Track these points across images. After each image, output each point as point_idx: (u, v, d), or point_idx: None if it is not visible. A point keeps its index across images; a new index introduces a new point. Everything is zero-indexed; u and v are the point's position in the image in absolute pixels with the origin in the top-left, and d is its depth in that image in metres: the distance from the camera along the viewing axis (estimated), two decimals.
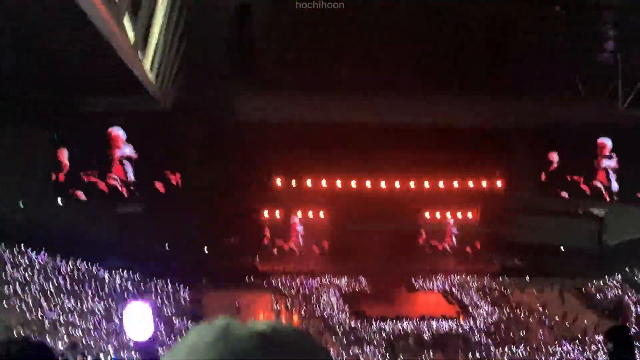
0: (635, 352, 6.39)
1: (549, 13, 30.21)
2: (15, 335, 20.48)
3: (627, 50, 31.88)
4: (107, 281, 33.24)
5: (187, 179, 38.02)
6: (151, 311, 4.08)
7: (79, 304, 29.39)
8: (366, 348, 32.57)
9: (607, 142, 39.32)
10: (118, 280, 33.82)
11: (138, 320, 4.03)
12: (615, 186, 39.81)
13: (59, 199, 35.10)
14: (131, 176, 36.87)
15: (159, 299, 34.75)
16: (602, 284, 38.20)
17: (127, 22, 11.98)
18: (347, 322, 35.22)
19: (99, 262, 33.49)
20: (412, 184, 41.41)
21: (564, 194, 41.12)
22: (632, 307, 35.08)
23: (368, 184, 41.03)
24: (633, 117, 36.22)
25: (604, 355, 30.98)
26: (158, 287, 35.51)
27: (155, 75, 20.97)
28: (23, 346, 2.38)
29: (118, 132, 36.16)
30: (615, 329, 5.77)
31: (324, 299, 37.51)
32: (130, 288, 34.00)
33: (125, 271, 34.36)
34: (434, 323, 35.21)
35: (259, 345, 0.89)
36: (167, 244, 39.19)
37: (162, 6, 16.12)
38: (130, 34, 13.46)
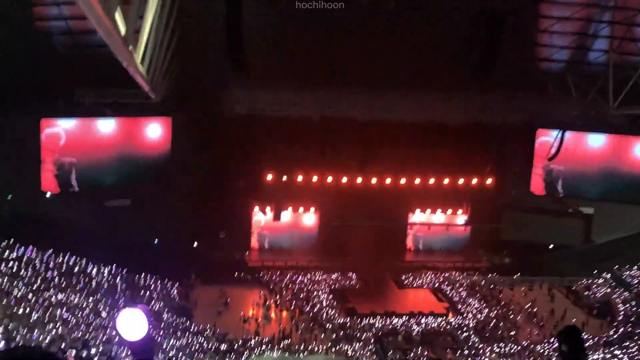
0: (588, 352, 6.36)
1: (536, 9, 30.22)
2: (2, 329, 20.28)
3: (619, 49, 31.90)
4: (95, 276, 32.95)
5: (178, 173, 37.75)
6: (146, 317, 3.96)
7: (66, 298, 29.13)
8: (355, 344, 32.54)
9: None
10: (106, 275, 33.54)
11: (132, 325, 3.92)
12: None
13: (48, 192, 34.70)
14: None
15: (148, 294, 34.58)
16: (590, 282, 38.34)
17: (118, 15, 11.80)
18: (337, 318, 35.20)
19: (88, 256, 33.16)
20: (402, 181, 41.35)
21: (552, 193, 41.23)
22: (620, 306, 35.18)
23: (359, 180, 40.90)
24: (622, 116, 36.28)
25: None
26: (147, 282, 35.32)
27: (146, 68, 20.74)
28: (27, 353, 2.34)
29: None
30: (568, 330, 5.71)
31: (313, 295, 37.47)
32: (119, 283, 33.78)
33: (114, 266, 34.08)
34: (422, 320, 35.26)
35: None
36: (156, 239, 39.00)
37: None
38: (121, 27, 13.28)
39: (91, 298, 30.50)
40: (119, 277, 34.07)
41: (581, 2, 28.84)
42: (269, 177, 40.21)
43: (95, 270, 33.20)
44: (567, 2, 29.20)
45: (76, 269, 32.21)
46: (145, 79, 21.90)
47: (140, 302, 32.90)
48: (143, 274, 35.27)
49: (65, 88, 32.47)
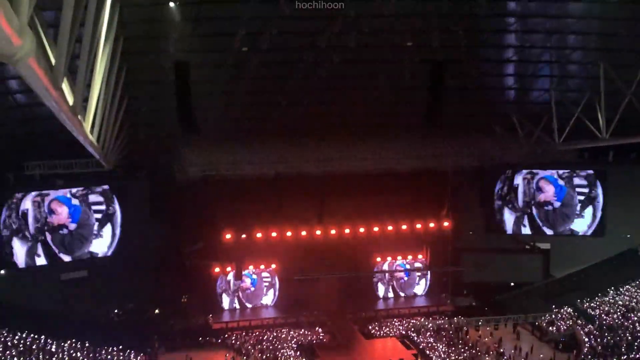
0: None
1: (479, 55, 31.22)
2: None
3: (560, 87, 33.13)
4: (55, 352, 31.84)
5: (134, 238, 37.19)
6: None
7: None
8: None
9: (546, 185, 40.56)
10: (67, 350, 32.44)
11: None
12: (553, 220, 41.00)
13: (2, 270, 33.77)
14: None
15: None
16: (554, 317, 38.67)
17: (65, 85, 11.80)
18: None
19: (46, 332, 32.08)
20: (361, 230, 41.39)
21: (509, 231, 42.05)
22: (585, 338, 35.49)
23: (318, 232, 40.80)
24: (569, 151, 37.40)
25: None
26: (109, 355, 34.23)
27: (96, 137, 20.64)
28: None
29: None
30: None
31: (281, 353, 36.81)
32: (80, 358, 32.69)
33: (74, 340, 32.99)
34: None
35: None
36: (115, 309, 38.03)
37: (100, 68, 15.97)
38: (69, 97, 13.29)
39: None
40: (79, 352, 32.98)
41: (518, 45, 29.96)
42: (228, 236, 39.83)
43: (54, 347, 32.11)
44: (504, 45, 30.28)
45: (35, 346, 31.12)
46: (96, 147, 21.76)
47: None
48: (105, 345, 34.21)
49: (15, 162, 32.08)
